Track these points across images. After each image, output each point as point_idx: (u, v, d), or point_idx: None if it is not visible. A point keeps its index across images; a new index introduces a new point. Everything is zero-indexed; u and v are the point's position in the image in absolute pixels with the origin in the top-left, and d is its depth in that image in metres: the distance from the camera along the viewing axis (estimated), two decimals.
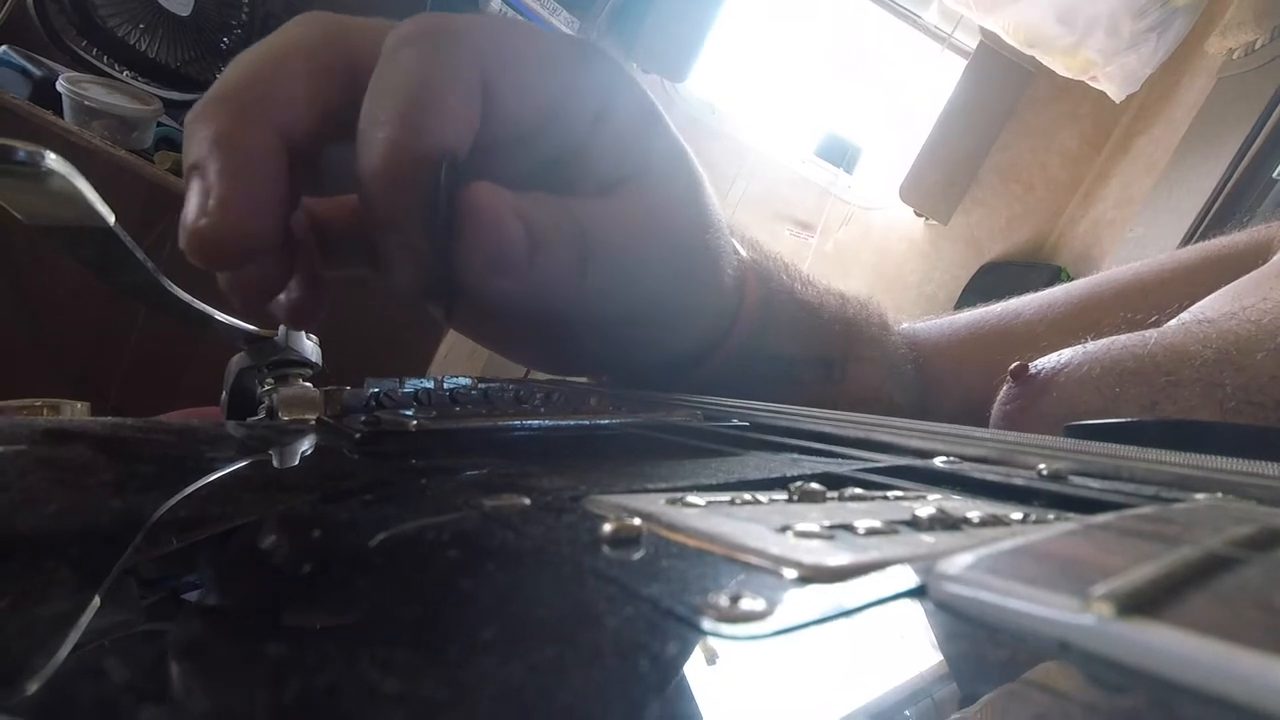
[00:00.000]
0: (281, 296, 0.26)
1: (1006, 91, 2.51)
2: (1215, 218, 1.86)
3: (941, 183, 2.55)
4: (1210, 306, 0.35)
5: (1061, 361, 0.32)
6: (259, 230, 0.22)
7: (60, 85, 1.12)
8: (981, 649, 0.08)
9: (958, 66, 2.54)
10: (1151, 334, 0.32)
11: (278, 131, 0.23)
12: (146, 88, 1.26)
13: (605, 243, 0.27)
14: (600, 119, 0.27)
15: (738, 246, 0.35)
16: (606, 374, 0.38)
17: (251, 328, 0.25)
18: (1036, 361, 0.33)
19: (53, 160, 0.18)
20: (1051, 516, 0.13)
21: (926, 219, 2.62)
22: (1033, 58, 2.37)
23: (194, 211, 0.22)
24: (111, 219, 0.21)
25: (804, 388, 0.38)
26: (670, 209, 0.29)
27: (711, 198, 0.31)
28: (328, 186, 0.28)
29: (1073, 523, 0.11)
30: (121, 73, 1.28)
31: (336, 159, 0.26)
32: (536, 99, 0.26)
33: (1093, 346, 0.32)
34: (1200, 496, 0.14)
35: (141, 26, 1.28)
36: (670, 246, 0.30)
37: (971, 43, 2.50)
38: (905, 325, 0.47)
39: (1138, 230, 2.18)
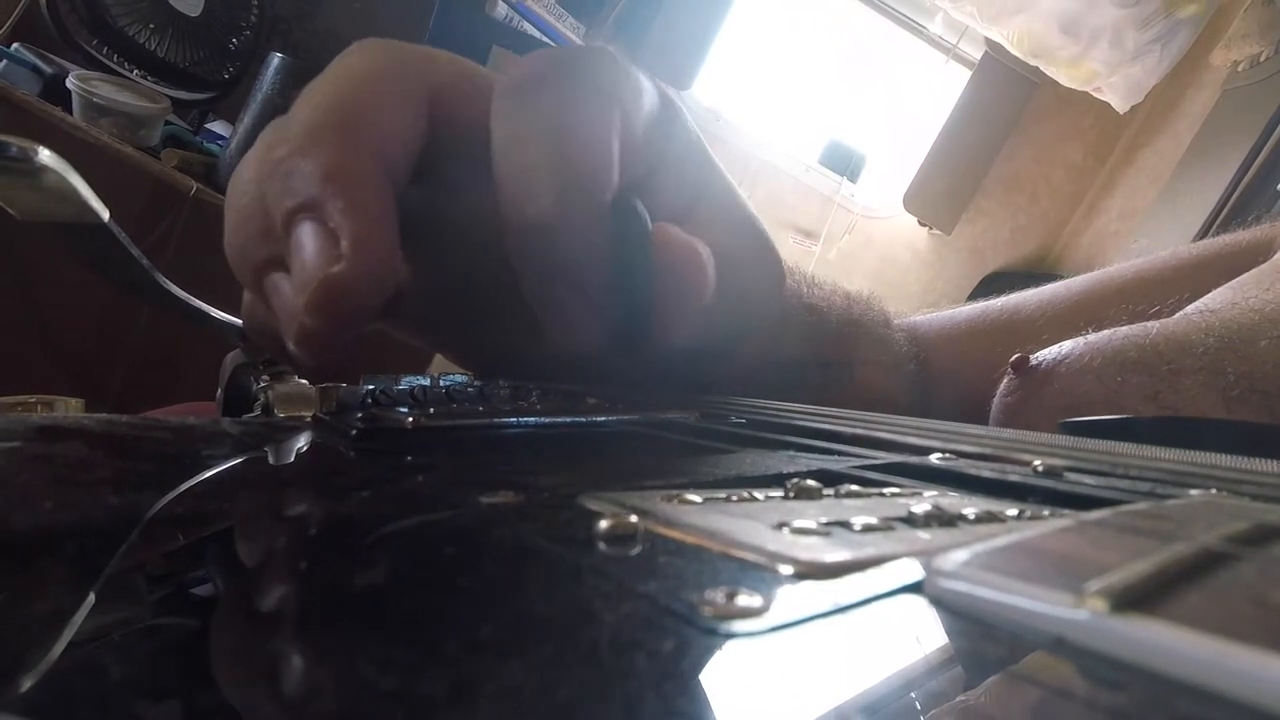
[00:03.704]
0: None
1: (1011, 102, 2.52)
2: (1219, 230, 1.85)
3: (945, 192, 2.55)
4: (1213, 299, 0.35)
5: (1063, 353, 0.32)
6: (392, 273, 0.20)
7: (70, 83, 1.13)
8: (977, 645, 0.08)
9: (962, 77, 2.54)
10: (1153, 325, 0.32)
11: (386, 166, 0.21)
12: (156, 86, 1.27)
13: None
14: (662, 154, 0.26)
15: None
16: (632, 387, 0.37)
17: None
18: (1038, 353, 0.33)
19: (46, 156, 0.18)
20: (1046, 513, 0.13)
21: (930, 228, 2.62)
22: (1037, 68, 2.38)
23: (320, 258, 0.19)
24: (106, 215, 0.21)
25: (812, 392, 0.38)
26: (737, 227, 0.29)
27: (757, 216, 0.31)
28: None
29: (1068, 519, 0.11)
30: (131, 71, 1.29)
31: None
32: (638, 137, 0.24)
33: (1094, 337, 0.32)
34: (1194, 493, 0.14)
35: (151, 26, 1.29)
36: (746, 261, 0.29)
37: (976, 53, 2.51)
38: (907, 319, 0.47)
39: (1141, 241, 2.18)
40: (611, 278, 0.22)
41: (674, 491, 0.13)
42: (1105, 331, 0.33)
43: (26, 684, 0.07)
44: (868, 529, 0.11)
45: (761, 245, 0.30)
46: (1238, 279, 0.37)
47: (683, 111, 0.27)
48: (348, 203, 0.19)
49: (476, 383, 0.24)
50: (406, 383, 0.23)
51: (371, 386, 0.21)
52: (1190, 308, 0.35)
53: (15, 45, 1.21)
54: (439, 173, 0.23)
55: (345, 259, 0.19)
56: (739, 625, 0.08)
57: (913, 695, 0.08)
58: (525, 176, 0.22)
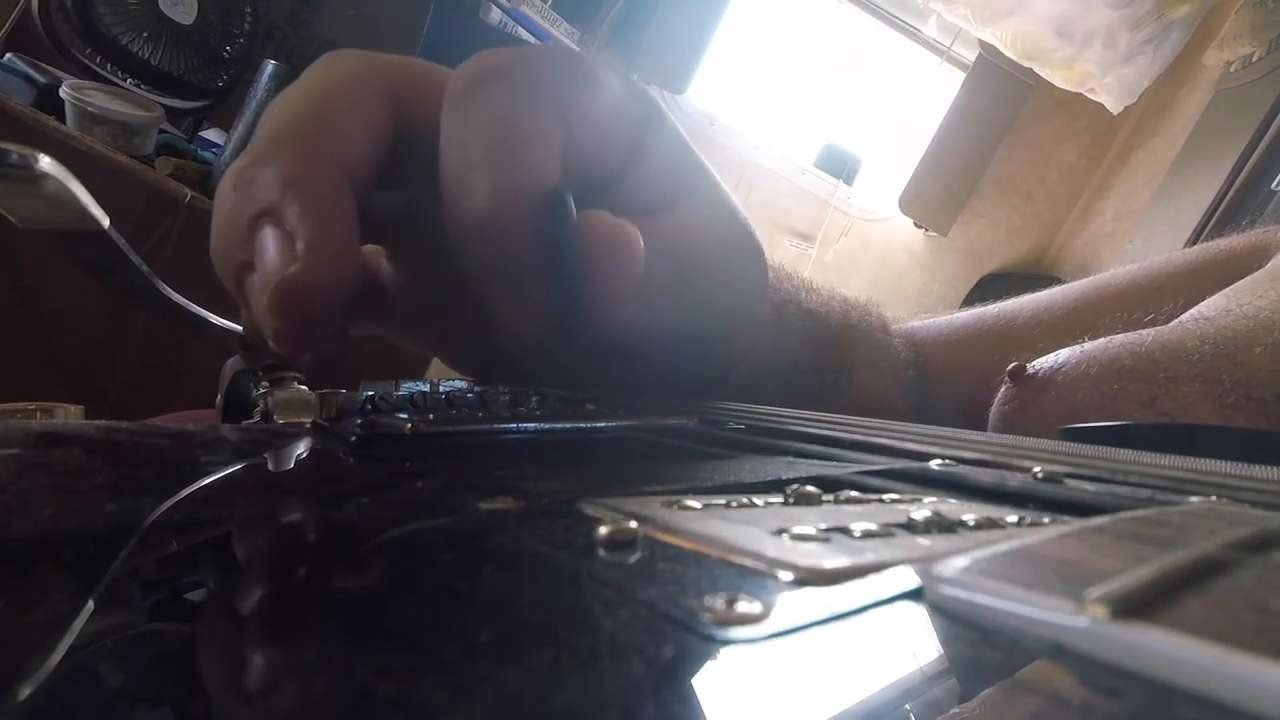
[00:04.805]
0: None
1: (1005, 104, 2.52)
2: (1214, 230, 1.87)
3: (941, 194, 2.56)
4: (1208, 306, 0.35)
5: (1059, 361, 0.32)
6: (349, 274, 0.21)
7: (63, 92, 1.13)
8: (977, 651, 0.08)
9: (956, 79, 2.55)
10: (1149, 333, 0.32)
11: (345, 171, 0.22)
12: (149, 95, 1.27)
13: (684, 256, 0.26)
14: (637, 148, 0.26)
15: None
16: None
17: None
18: (1034, 362, 0.33)
19: (46, 163, 0.18)
20: (1047, 519, 0.13)
21: (926, 230, 2.62)
22: (1031, 70, 2.39)
23: (278, 260, 0.20)
24: (106, 222, 0.21)
25: (812, 399, 0.38)
26: (720, 221, 0.29)
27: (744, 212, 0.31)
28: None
29: (1068, 525, 0.11)
30: (124, 80, 1.29)
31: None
32: (600, 131, 0.25)
33: (1090, 346, 0.32)
34: (1194, 499, 0.14)
35: (145, 35, 1.29)
36: (729, 255, 0.29)
37: (970, 55, 2.51)
38: (904, 325, 0.47)
39: (1136, 242, 2.19)
40: (547, 270, 0.23)
41: (673, 497, 0.13)
42: (1101, 339, 0.33)
43: (25, 691, 0.07)
44: (867, 535, 0.11)
45: (745, 241, 0.30)
46: (1232, 286, 0.37)
47: (662, 108, 0.27)
48: (303, 207, 0.20)
49: (476, 388, 0.24)
50: (406, 389, 0.23)
51: (371, 392, 0.21)
52: (1185, 315, 0.35)
53: (8, 55, 1.22)
54: (417, 175, 0.24)
55: (300, 260, 0.20)
56: (738, 632, 0.08)
57: (912, 703, 0.08)
58: (462, 174, 0.22)
